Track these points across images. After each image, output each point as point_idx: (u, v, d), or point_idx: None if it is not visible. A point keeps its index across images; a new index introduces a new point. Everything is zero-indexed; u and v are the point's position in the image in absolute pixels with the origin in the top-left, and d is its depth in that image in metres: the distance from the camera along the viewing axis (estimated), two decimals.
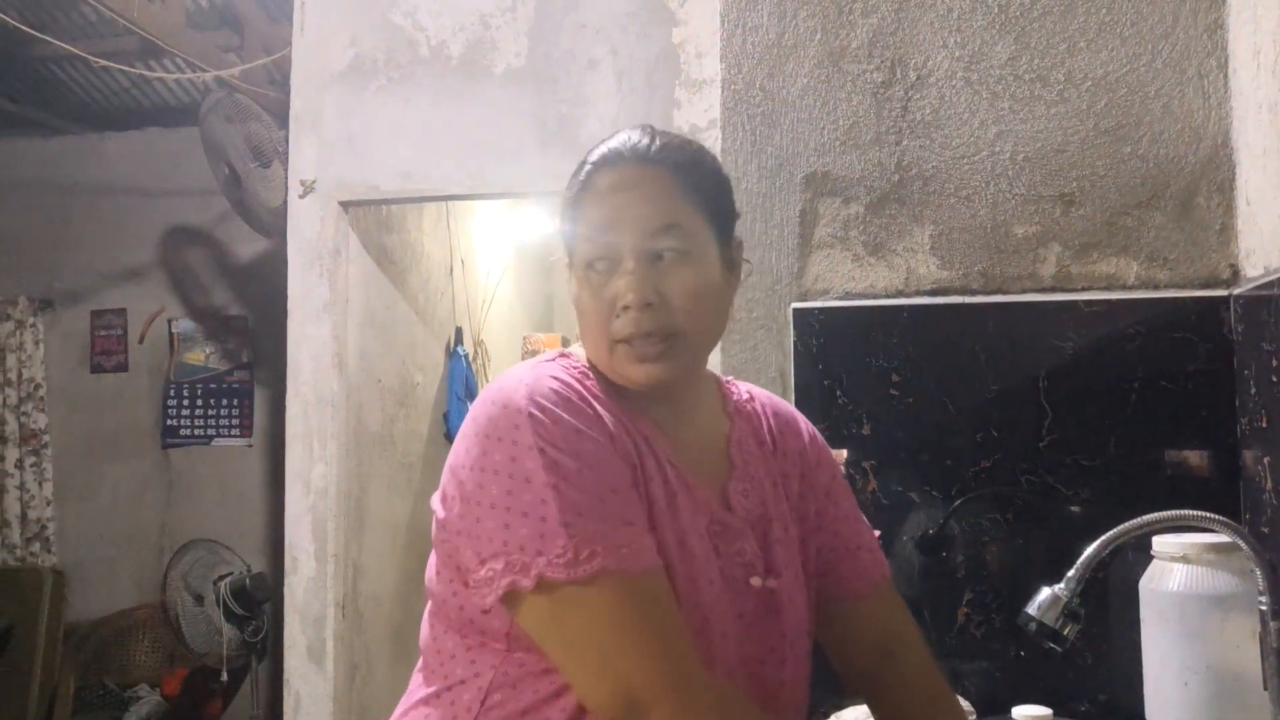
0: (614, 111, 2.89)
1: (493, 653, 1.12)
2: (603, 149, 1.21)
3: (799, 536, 1.31)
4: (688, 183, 1.19)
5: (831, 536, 1.36)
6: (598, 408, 1.14)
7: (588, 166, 1.20)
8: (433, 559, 1.18)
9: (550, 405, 1.10)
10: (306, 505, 3.20)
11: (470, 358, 4.65)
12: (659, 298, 1.14)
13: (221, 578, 4.22)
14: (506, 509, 1.05)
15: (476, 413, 1.12)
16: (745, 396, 1.36)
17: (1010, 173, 2.25)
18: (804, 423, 1.41)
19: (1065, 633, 1.63)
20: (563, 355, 1.22)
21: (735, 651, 1.16)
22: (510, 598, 1.06)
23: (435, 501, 1.15)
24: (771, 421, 1.36)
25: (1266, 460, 1.88)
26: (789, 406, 1.42)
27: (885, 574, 1.39)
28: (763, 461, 1.31)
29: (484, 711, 1.11)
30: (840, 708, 1.97)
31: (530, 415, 1.08)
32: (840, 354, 2.27)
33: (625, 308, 1.14)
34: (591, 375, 1.19)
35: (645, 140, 1.21)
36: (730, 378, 1.38)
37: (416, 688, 1.21)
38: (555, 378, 1.14)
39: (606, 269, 1.16)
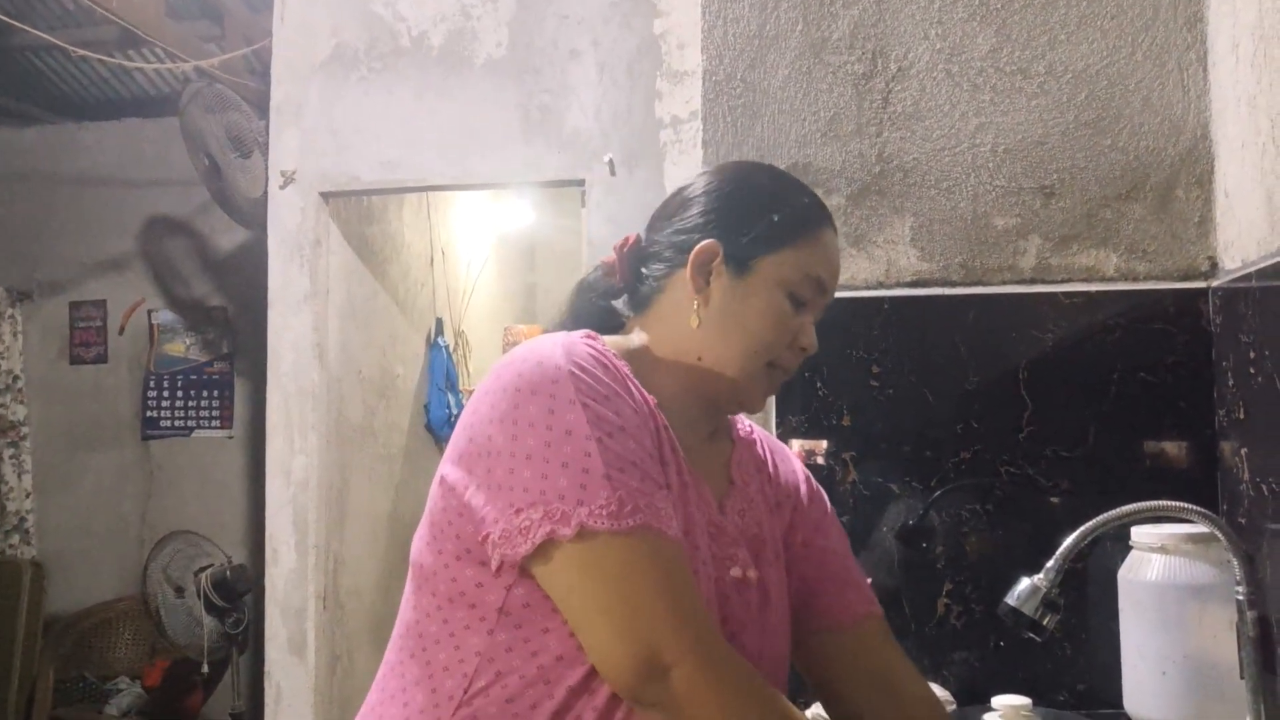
0: (596, 102, 2.89)
1: (478, 637, 1.09)
2: (816, 201, 1.30)
3: (786, 564, 1.32)
4: None
5: (817, 568, 1.36)
6: (628, 384, 1.15)
7: (819, 208, 1.28)
8: (423, 530, 1.15)
9: (588, 365, 1.10)
10: (287, 497, 3.19)
11: (451, 349, 4.63)
12: None
13: (202, 569, 4.21)
14: (545, 460, 1.04)
15: (503, 371, 1.10)
16: (746, 427, 1.39)
17: (991, 165, 2.25)
18: (798, 460, 1.44)
19: (1044, 623, 1.63)
20: (589, 337, 1.19)
21: None
22: (542, 550, 1.04)
23: (446, 464, 1.13)
24: (770, 453, 1.39)
25: (1244, 451, 1.89)
26: (784, 444, 1.46)
27: (873, 611, 1.37)
28: (760, 486, 1.32)
29: (468, 699, 1.09)
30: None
31: (571, 372, 1.08)
32: (820, 345, 2.26)
33: (803, 349, 1.27)
34: (621, 359, 1.18)
35: None
36: None
37: (391, 673, 1.18)
38: (591, 346, 1.15)
39: (800, 307, 1.25)
